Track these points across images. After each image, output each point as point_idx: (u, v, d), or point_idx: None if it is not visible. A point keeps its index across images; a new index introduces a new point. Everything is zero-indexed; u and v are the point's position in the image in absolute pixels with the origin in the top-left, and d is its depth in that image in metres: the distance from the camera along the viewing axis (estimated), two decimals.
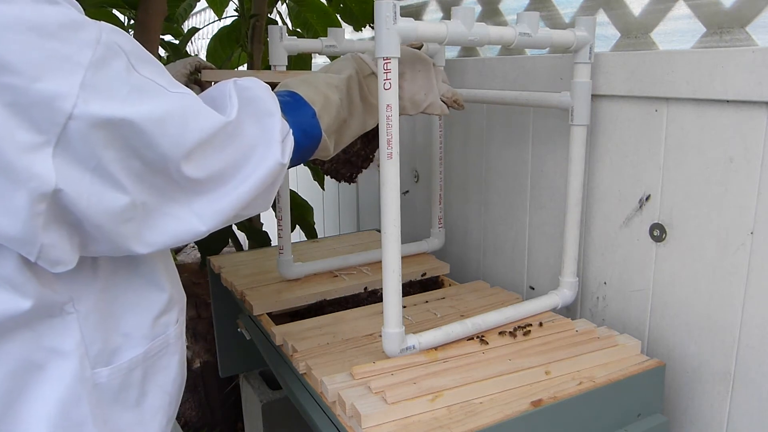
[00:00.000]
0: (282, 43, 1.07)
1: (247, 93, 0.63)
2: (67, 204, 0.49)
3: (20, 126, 0.45)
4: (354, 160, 0.99)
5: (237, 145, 0.59)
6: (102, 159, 0.49)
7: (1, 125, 0.45)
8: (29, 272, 0.52)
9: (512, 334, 0.90)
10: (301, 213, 1.64)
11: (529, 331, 0.91)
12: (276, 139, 0.62)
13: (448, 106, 0.88)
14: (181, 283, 0.70)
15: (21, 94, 0.45)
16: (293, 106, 0.70)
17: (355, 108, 0.79)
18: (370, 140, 0.96)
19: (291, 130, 0.66)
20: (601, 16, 1.06)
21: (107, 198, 0.50)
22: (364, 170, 1.01)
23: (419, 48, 0.92)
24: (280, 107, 0.64)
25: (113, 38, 0.50)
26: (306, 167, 1.74)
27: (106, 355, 0.60)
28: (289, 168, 0.67)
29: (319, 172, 1.04)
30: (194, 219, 0.57)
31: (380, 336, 0.83)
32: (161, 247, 0.56)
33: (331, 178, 1.01)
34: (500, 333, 0.91)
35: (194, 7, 1.66)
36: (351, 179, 1.01)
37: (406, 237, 1.00)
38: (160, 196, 0.54)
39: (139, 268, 0.62)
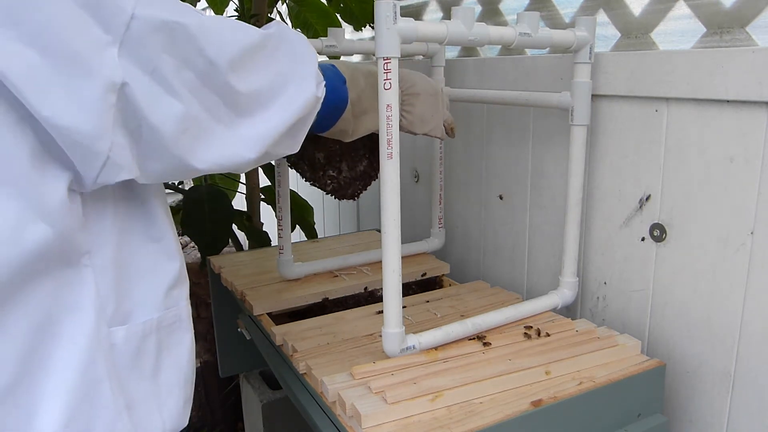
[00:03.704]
0: None
1: (287, 33, 0.68)
2: (131, 101, 0.52)
3: (92, 24, 0.49)
4: (359, 180, 1.00)
5: (277, 68, 0.65)
6: (159, 64, 0.53)
7: (75, 22, 0.48)
8: (69, 205, 0.53)
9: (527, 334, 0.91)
10: (301, 213, 1.64)
11: (539, 330, 0.92)
12: (312, 73, 0.68)
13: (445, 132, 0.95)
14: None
15: None
16: (325, 69, 0.76)
17: (374, 103, 0.83)
18: (377, 158, 0.97)
19: (324, 81, 0.72)
20: (601, 16, 1.06)
21: (164, 103, 0.54)
22: (366, 189, 1.02)
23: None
24: None
25: None
26: None
27: (121, 316, 0.60)
28: (311, 133, 0.74)
29: None
30: (240, 144, 0.62)
31: (380, 336, 0.83)
32: (214, 165, 0.60)
33: (334, 197, 1.01)
34: (526, 327, 0.93)
35: (194, 7, 1.66)
36: (353, 197, 1.02)
37: (406, 237, 1.00)
38: (211, 114, 0.58)
39: (152, 228, 0.64)
